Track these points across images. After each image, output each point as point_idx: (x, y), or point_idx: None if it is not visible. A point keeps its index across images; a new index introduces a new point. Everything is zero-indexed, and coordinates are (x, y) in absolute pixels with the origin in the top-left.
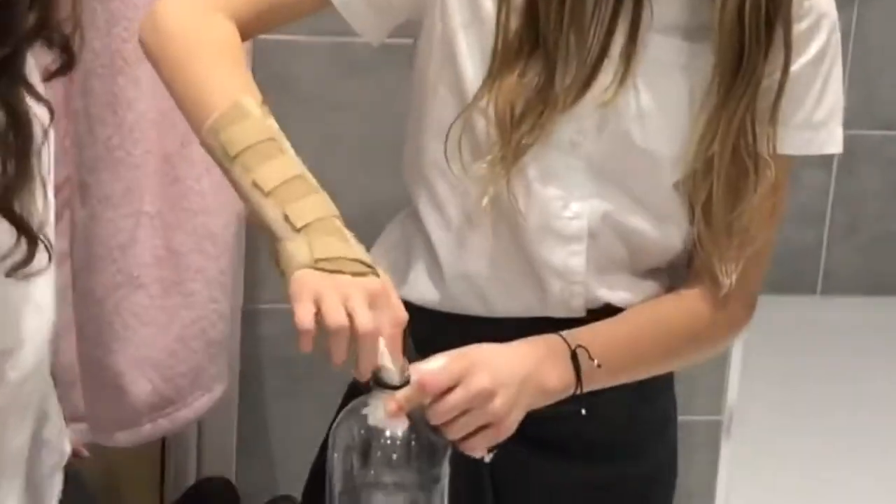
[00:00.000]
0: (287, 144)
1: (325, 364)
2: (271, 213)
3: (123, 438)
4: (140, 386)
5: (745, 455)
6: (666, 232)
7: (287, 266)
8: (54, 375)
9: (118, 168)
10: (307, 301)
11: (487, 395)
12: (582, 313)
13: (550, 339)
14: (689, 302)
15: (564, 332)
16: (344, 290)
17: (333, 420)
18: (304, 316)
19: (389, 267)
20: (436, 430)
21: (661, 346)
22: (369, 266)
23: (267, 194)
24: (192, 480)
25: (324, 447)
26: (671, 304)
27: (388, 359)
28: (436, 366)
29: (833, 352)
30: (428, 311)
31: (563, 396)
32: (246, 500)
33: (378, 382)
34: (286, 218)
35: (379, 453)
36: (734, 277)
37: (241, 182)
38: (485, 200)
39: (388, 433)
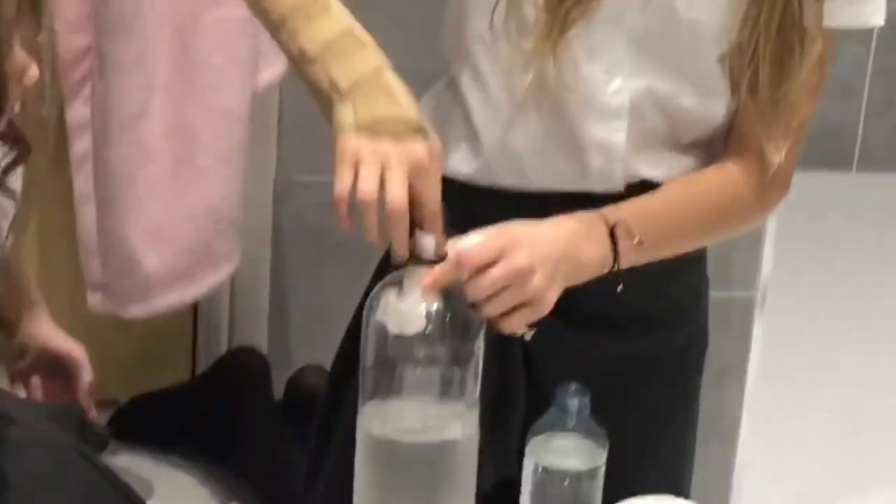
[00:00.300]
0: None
1: (357, 235)
2: (319, 77)
3: (135, 310)
4: (150, 259)
5: (778, 331)
6: (708, 107)
7: (335, 131)
8: (78, 241)
9: (131, 35)
10: (346, 169)
11: (526, 273)
12: (621, 188)
13: (589, 215)
14: (729, 177)
15: (603, 209)
16: (384, 158)
17: (366, 291)
18: (340, 184)
19: None
20: (472, 306)
21: (699, 221)
22: (417, 127)
23: (313, 60)
24: (223, 351)
25: (355, 318)
26: (710, 180)
27: (424, 234)
28: (474, 242)
29: (868, 228)
30: (463, 185)
31: (600, 273)
32: (277, 370)
33: (413, 257)
34: (332, 82)
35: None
36: (783, 154)
37: (290, 51)
38: (530, 77)
39: (422, 308)
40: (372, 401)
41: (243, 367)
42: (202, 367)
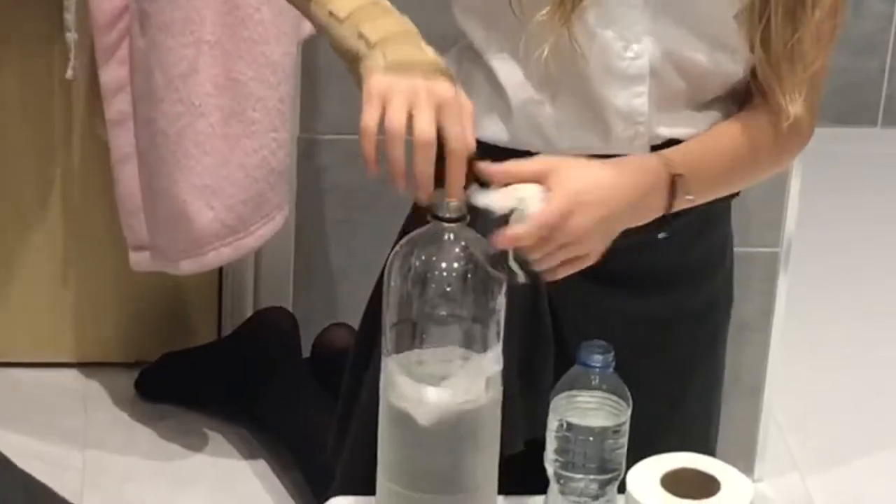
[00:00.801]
0: None
1: (382, 193)
2: (348, 34)
3: (187, 266)
4: (203, 214)
5: (802, 287)
6: (726, 63)
7: (365, 74)
8: (117, 202)
9: None
10: (375, 103)
11: (587, 235)
12: (646, 150)
13: (654, 163)
14: (751, 128)
15: (667, 153)
16: (412, 93)
17: (391, 250)
18: (367, 117)
19: None
20: (494, 264)
21: (734, 171)
22: (444, 70)
23: (342, 20)
24: (249, 311)
25: (382, 277)
26: (739, 130)
27: (445, 193)
28: (537, 202)
29: (893, 183)
30: (488, 146)
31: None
32: (302, 329)
33: (434, 215)
34: (360, 35)
35: (434, 285)
36: (800, 103)
37: (319, 16)
38: (545, 49)
39: (443, 265)
40: (394, 359)
41: (272, 325)
42: (228, 328)
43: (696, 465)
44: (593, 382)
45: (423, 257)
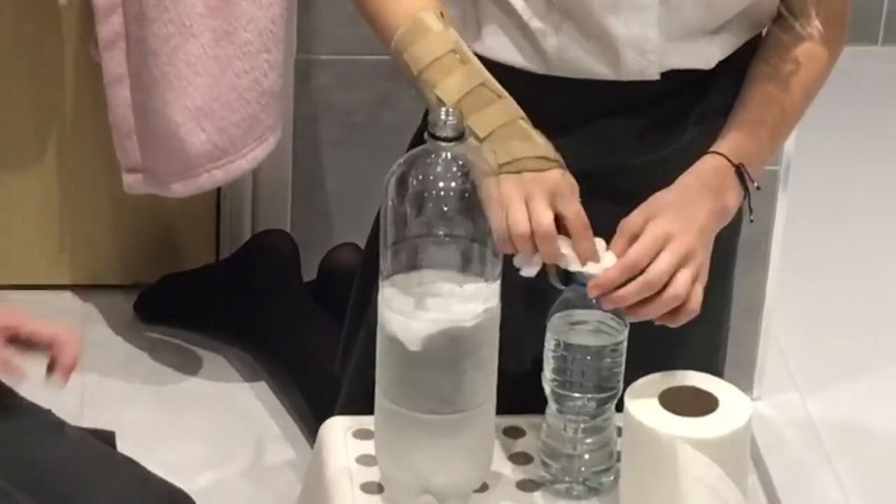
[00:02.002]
0: (469, 53)
1: (380, 114)
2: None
3: (179, 189)
4: (195, 136)
5: (801, 206)
6: None
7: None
8: (110, 124)
9: None
10: (498, 212)
11: (693, 251)
12: (656, 77)
13: (716, 165)
14: (788, 75)
15: (721, 148)
16: (527, 189)
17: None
18: (498, 225)
19: (459, 21)
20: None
21: (787, 124)
22: (552, 160)
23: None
24: (247, 234)
25: None
26: (777, 89)
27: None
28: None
29: (893, 101)
30: (504, 67)
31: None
32: (303, 251)
33: (431, 134)
34: (470, 130)
35: (431, 205)
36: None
37: (428, 98)
38: None
39: (441, 185)
40: (391, 281)
41: (271, 247)
42: (226, 251)
43: (695, 383)
44: (591, 302)
45: (421, 177)
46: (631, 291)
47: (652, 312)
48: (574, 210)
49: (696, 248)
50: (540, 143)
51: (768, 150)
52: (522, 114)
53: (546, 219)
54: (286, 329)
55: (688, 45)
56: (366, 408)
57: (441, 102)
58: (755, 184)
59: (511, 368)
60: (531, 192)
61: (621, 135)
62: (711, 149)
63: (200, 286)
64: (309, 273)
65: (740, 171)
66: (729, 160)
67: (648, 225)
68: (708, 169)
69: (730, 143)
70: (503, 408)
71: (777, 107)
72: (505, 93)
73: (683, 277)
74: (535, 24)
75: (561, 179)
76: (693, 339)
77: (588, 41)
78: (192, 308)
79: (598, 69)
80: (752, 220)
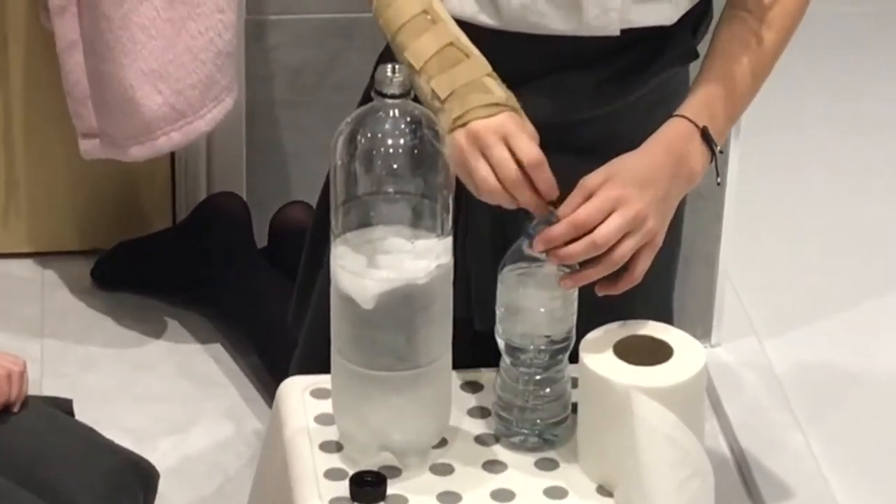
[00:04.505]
0: (441, 11)
1: (330, 73)
2: (425, 89)
3: (137, 152)
4: (151, 99)
5: (754, 154)
6: None
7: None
8: (65, 90)
9: None
10: (462, 170)
11: (642, 217)
12: (616, 34)
13: (682, 129)
14: (747, 34)
15: (685, 112)
16: (478, 139)
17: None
18: (476, 185)
19: None
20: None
21: (756, 84)
22: (502, 105)
23: (418, 71)
24: (203, 196)
25: None
26: (740, 50)
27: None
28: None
29: (846, 45)
30: (470, 24)
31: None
32: (257, 212)
33: (378, 92)
34: (433, 93)
35: (380, 162)
36: None
37: (402, 62)
38: None
39: (390, 142)
40: (344, 237)
41: (223, 210)
42: (182, 213)
43: (649, 332)
44: (542, 254)
45: (369, 134)
46: (577, 250)
47: (593, 275)
48: (524, 147)
49: (648, 216)
50: (497, 94)
51: (741, 99)
52: (489, 70)
53: (509, 167)
54: (240, 292)
55: (650, 3)
56: (320, 365)
57: (412, 67)
58: (718, 147)
59: (479, 323)
60: (484, 142)
61: (580, 88)
62: (676, 112)
63: (154, 252)
64: (265, 233)
65: (706, 133)
66: (694, 123)
67: (604, 186)
68: (672, 134)
69: (695, 104)
70: (474, 363)
71: (748, 52)
72: (474, 50)
73: (628, 244)
74: None
75: (507, 120)
76: (646, 282)
77: (555, 2)
78: (147, 274)
79: (559, 25)
80: (718, 183)
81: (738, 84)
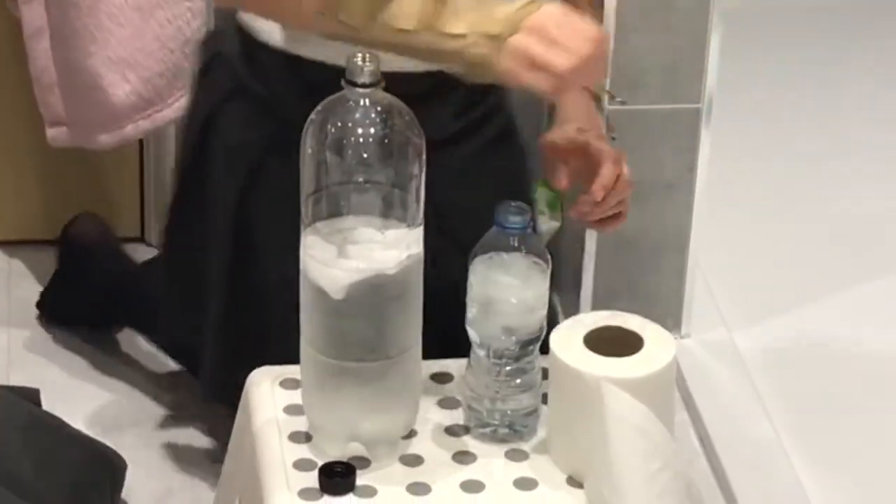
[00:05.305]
0: None
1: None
2: (434, 43)
3: (105, 140)
4: (119, 87)
5: (724, 144)
6: None
7: (487, 64)
8: (32, 78)
9: None
10: (530, 71)
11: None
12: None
13: None
14: None
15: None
16: (543, 32)
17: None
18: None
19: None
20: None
21: None
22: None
23: (416, 30)
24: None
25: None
26: None
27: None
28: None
29: (816, 37)
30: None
31: None
32: None
33: (348, 81)
34: (443, 34)
35: (351, 151)
36: None
37: (391, 41)
38: None
39: (360, 131)
40: (314, 227)
41: (76, 235)
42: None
43: (620, 323)
44: (511, 244)
45: (339, 124)
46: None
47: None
48: (587, 26)
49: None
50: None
51: None
52: None
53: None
54: (113, 305)
55: None
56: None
57: (404, 32)
58: None
59: (451, 314)
60: (546, 32)
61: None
62: None
63: (61, 287)
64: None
65: None
66: None
67: (589, 137)
68: None
69: None
70: (447, 355)
71: None
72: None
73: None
74: None
75: (552, 7)
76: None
77: None
78: (70, 310)
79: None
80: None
81: None
